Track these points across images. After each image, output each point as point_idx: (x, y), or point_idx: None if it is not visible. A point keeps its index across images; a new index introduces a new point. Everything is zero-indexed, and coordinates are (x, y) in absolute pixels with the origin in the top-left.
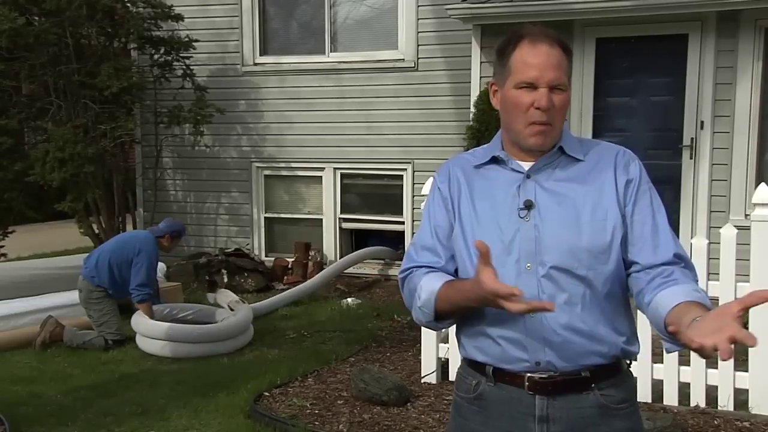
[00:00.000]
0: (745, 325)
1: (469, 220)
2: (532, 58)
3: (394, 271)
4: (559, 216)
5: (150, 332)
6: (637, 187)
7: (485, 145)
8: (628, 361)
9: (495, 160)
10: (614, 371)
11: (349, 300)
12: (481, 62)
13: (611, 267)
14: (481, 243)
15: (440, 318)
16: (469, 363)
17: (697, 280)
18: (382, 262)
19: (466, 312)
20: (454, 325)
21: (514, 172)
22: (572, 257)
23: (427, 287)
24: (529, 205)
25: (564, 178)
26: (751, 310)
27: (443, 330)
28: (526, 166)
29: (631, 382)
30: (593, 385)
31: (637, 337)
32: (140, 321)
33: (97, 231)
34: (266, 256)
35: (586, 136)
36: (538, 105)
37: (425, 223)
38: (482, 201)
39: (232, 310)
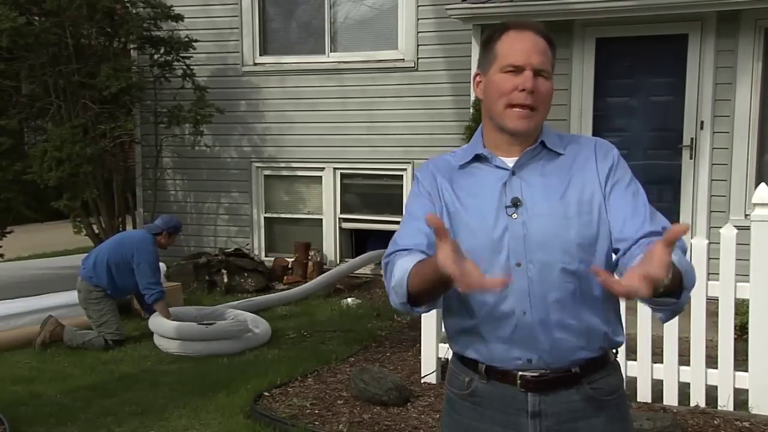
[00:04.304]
0: (744, 325)
1: (457, 218)
2: (519, 44)
3: None
4: (546, 212)
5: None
6: (615, 174)
7: (465, 145)
8: (614, 351)
9: (478, 158)
10: (602, 363)
11: (349, 300)
12: None
13: (600, 258)
14: (432, 217)
15: (414, 302)
16: (461, 359)
17: (684, 249)
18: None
19: (439, 292)
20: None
21: (498, 169)
22: (564, 253)
23: (402, 265)
24: (516, 203)
25: (548, 173)
26: (751, 310)
27: (442, 329)
28: (510, 162)
29: (619, 373)
30: (583, 380)
31: (622, 327)
32: (163, 322)
33: (96, 231)
34: (266, 256)
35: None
36: (523, 87)
37: (412, 215)
38: (469, 199)
39: None
